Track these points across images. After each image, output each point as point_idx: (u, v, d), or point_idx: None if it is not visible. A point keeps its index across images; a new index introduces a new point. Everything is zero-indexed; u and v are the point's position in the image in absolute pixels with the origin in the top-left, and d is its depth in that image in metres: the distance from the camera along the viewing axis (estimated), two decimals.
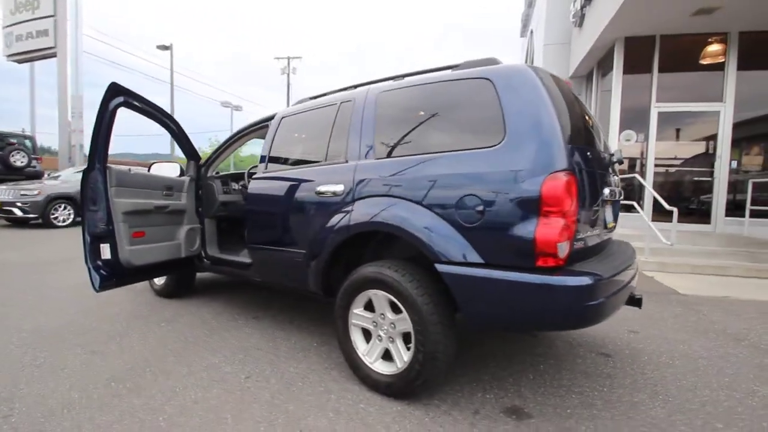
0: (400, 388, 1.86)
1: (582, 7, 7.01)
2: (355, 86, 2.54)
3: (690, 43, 6.07)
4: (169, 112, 3.06)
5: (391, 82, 2.27)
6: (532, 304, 1.53)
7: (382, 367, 1.97)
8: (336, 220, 2.10)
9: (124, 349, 2.48)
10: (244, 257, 3.12)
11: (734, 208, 6.07)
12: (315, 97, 2.75)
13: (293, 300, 3.55)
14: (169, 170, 3.23)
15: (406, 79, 2.20)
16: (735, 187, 6.11)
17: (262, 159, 2.71)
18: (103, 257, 2.48)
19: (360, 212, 1.99)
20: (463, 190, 1.67)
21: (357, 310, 2.05)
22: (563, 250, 1.51)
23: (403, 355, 1.88)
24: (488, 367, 2.27)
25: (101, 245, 2.47)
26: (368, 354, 2.02)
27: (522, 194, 1.53)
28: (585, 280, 1.48)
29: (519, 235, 1.53)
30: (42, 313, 3.14)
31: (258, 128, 3.07)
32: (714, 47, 5.96)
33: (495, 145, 1.65)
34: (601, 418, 1.79)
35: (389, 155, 2.01)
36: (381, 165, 1.99)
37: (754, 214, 5.78)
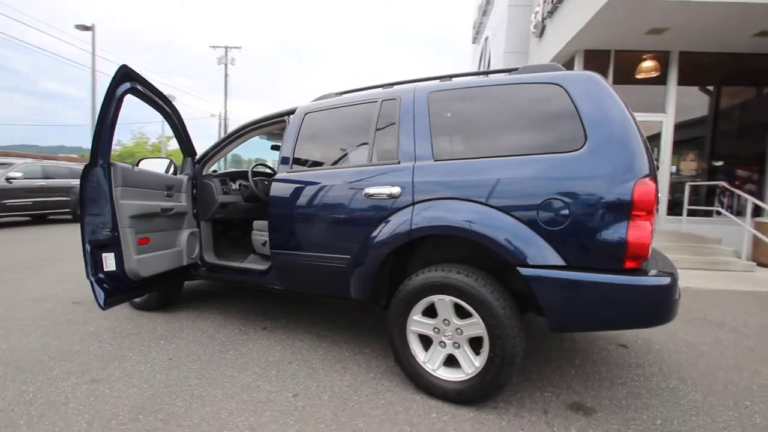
0: (472, 394, 1.83)
1: (543, 20, 7.48)
2: (382, 86, 2.46)
3: (639, 58, 6.76)
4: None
5: (437, 82, 2.22)
6: (624, 305, 1.58)
7: (447, 374, 1.92)
8: (392, 223, 2.00)
9: (131, 374, 2.16)
10: (253, 263, 2.89)
11: (673, 207, 6.90)
12: (340, 93, 2.61)
13: (296, 306, 3.35)
14: (159, 167, 2.86)
15: (456, 80, 2.17)
16: (674, 188, 6.94)
17: (285, 159, 2.51)
18: (106, 269, 2.12)
19: (425, 215, 1.91)
20: (545, 194, 1.68)
21: (416, 317, 1.98)
22: (649, 252, 1.58)
23: (473, 361, 1.85)
24: (530, 366, 2.33)
25: (103, 255, 2.11)
26: (430, 361, 1.96)
27: (612, 198, 1.58)
28: (668, 280, 1.57)
29: (609, 239, 1.58)
30: (2, 336, 2.62)
31: (269, 124, 2.84)
32: (650, 63, 6.69)
33: (576, 150, 1.68)
34: (653, 407, 1.91)
35: (451, 157, 1.96)
36: (446, 167, 1.94)
37: (690, 213, 6.64)
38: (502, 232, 1.73)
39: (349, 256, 2.17)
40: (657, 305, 1.57)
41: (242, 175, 3.45)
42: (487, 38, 11.89)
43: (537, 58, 8.18)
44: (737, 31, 5.66)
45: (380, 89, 2.43)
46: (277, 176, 2.48)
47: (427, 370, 1.96)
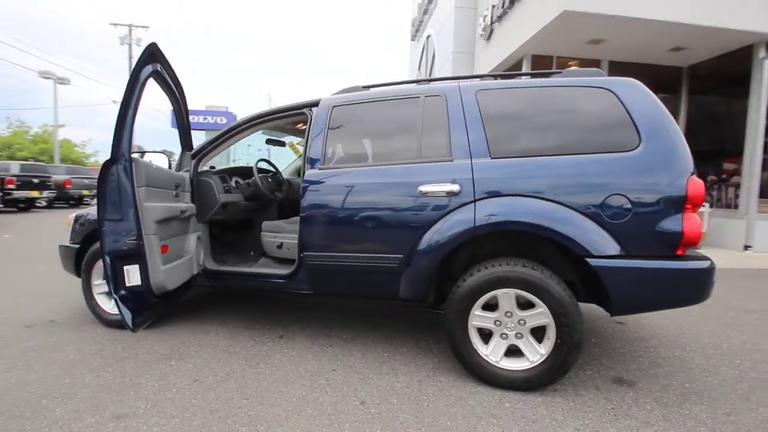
0: (540, 380, 1.93)
1: (492, 23, 7.93)
2: (416, 81, 2.44)
3: (566, 65, 7.53)
4: None
5: (484, 81, 2.26)
6: (677, 286, 1.79)
7: (511, 364, 1.99)
8: (453, 221, 2.00)
9: (160, 404, 1.87)
10: (269, 268, 2.68)
11: None
12: (367, 87, 2.52)
13: (301, 311, 3.17)
14: (160, 164, 2.48)
15: (503, 80, 2.23)
16: None
17: (315, 155, 2.35)
18: (128, 283, 1.79)
19: (489, 211, 1.95)
20: (608, 191, 1.82)
21: (478, 312, 2.02)
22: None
23: (539, 348, 1.94)
24: None
25: (125, 267, 1.78)
26: (492, 354, 2.02)
27: (669, 193, 1.77)
28: (709, 263, 1.82)
29: (667, 229, 1.77)
30: None
31: (282, 117, 2.63)
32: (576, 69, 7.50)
33: (633, 150, 1.85)
34: (675, 373, 2.20)
35: (508, 155, 2.02)
36: (506, 164, 1.99)
37: None
38: (571, 226, 1.84)
39: (401, 256, 2.12)
40: (702, 286, 1.81)
41: (240, 171, 3.15)
42: (429, 36, 12.24)
43: (484, 59, 8.66)
44: (656, 46, 6.60)
45: (413, 85, 2.41)
46: (310, 175, 2.32)
47: (490, 362, 2.01)
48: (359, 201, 2.20)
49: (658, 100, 1.93)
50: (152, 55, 1.88)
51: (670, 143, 1.83)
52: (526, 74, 2.33)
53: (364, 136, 2.41)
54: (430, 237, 2.05)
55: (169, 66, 2.09)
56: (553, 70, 2.23)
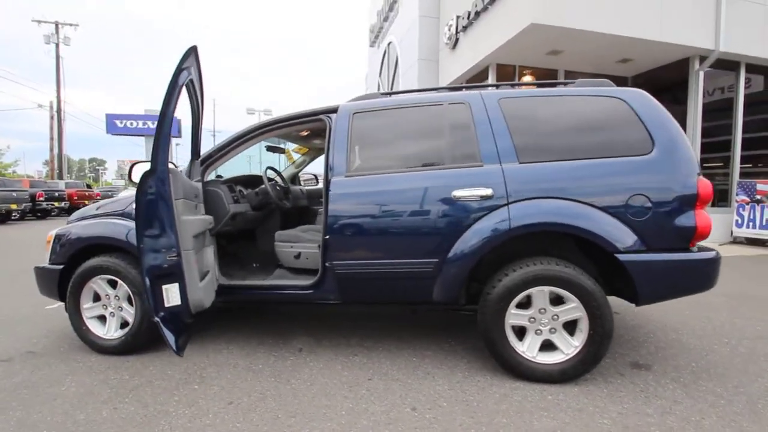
0: (574, 371, 2.05)
1: (457, 32, 8.25)
2: (436, 89, 2.50)
3: (522, 74, 8.02)
4: None
5: (502, 89, 2.36)
6: (692, 276, 1.99)
7: (546, 358, 2.09)
8: (488, 223, 2.07)
9: (203, 431, 1.75)
10: (286, 279, 2.59)
11: None
12: (387, 94, 2.53)
13: (310, 320, 3.08)
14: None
15: (523, 88, 2.35)
16: None
17: (339, 163, 2.32)
18: (168, 303, 1.65)
19: (523, 213, 2.04)
20: (630, 191, 1.99)
21: (513, 310, 2.10)
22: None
23: (572, 341, 2.06)
24: None
25: (164, 287, 1.64)
26: (528, 350, 2.11)
27: (682, 192, 1.97)
28: (716, 253, 2.04)
29: (682, 224, 1.96)
30: None
31: (296, 124, 2.58)
32: (529, 78, 8.03)
33: (647, 153, 2.03)
34: (679, 355, 2.43)
35: (535, 160, 2.13)
36: (536, 169, 2.10)
37: None
38: (602, 225, 1.98)
39: (436, 260, 2.15)
40: (712, 273, 2.03)
41: (244, 180, 3.00)
42: (390, 43, 12.44)
43: (450, 67, 8.97)
44: (607, 57, 7.24)
45: (432, 93, 2.46)
46: (337, 183, 2.28)
47: (528, 358, 2.10)
48: (392, 207, 2.20)
49: (663, 108, 2.14)
50: (193, 59, 1.75)
51: (678, 146, 2.03)
52: (540, 84, 2.47)
53: (389, 143, 2.42)
54: (466, 240, 2.10)
55: (200, 71, 1.97)
56: (566, 80, 2.39)
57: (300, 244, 2.65)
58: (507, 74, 7.80)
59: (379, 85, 14.19)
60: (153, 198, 1.63)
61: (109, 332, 2.52)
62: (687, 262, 1.98)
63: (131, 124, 26.35)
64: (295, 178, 3.91)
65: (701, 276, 2.03)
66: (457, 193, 2.12)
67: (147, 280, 1.62)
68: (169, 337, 1.63)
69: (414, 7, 9.87)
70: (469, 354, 2.48)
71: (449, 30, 8.53)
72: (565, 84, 2.37)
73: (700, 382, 2.10)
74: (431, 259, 2.16)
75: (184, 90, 1.78)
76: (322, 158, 4.08)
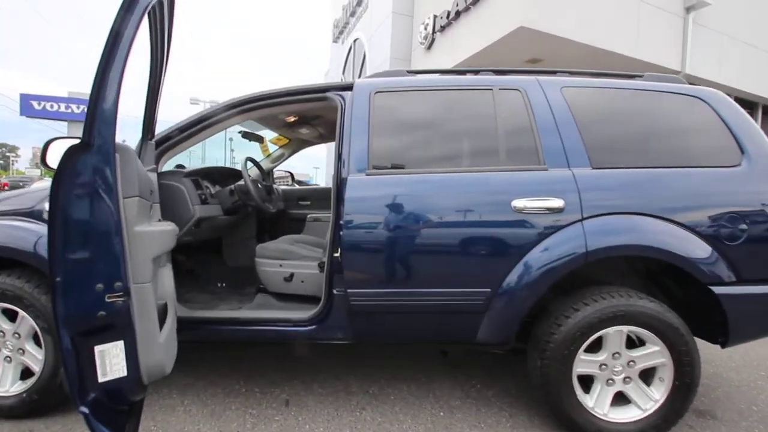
0: (655, 431, 1.64)
1: (434, 32, 7.91)
2: (475, 70, 2.01)
3: None
4: None
5: (561, 77, 1.92)
6: None
7: (619, 415, 1.66)
8: (557, 245, 1.60)
9: None
10: (270, 310, 1.94)
11: None
12: (413, 72, 1.99)
13: (286, 361, 2.41)
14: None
15: (586, 78, 1.92)
16: None
17: (359, 156, 1.74)
18: (104, 377, 0.96)
19: (602, 232, 1.60)
20: (722, 208, 1.63)
21: (583, 356, 1.65)
22: None
23: (652, 394, 1.65)
24: None
25: (97, 349, 0.95)
26: (598, 405, 1.66)
27: None
28: None
29: None
30: None
31: (293, 101, 1.95)
32: None
33: (737, 165, 1.69)
34: (736, 397, 2.14)
35: (611, 165, 1.71)
36: (614, 177, 1.67)
37: None
38: (696, 250, 1.59)
39: (487, 290, 1.64)
40: None
41: (214, 174, 2.27)
42: (357, 39, 11.89)
43: (424, 67, 8.62)
44: (583, 67, 7.26)
45: (477, 75, 1.97)
46: (355, 182, 1.69)
47: (597, 415, 1.65)
48: (429, 218, 1.66)
49: (747, 113, 1.82)
50: None
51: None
52: (599, 74, 2.06)
53: (422, 133, 1.87)
54: (528, 265, 1.61)
55: (173, 7, 1.29)
56: (632, 72, 2.01)
57: (292, 262, 2.01)
58: None
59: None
60: (83, 194, 0.94)
61: (3, 386, 1.71)
62: None
63: (51, 106, 22.94)
64: (268, 176, 3.21)
65: None
66: (518, 203, 1.63)
67: (65, 339, 0.92)
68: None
69: (387, 3, 9.43)
70: (503, 401, 1.99)
71: (425, 29, 8.17)
72: (631, 77, 1.98)
73: None
74: (481, 288, 1.64)
75: (144, 21, 1.10)
76: (301, 153, 3.44)
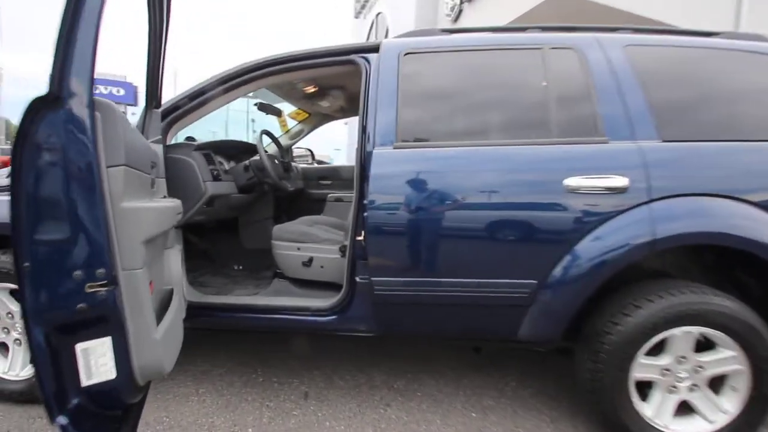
0: None
1: (461, 2, 7.46)
2: (521, 28, 1.74)
3: None
4: None
5: (620, 33, 1.63)
6: None
7: (681, 427, 1.45)
8: (617, 230, 1.37)
9: None
10: (291, 296, 1.80)
11: None
12: (449, 31, 1.75)
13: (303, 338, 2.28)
14: None
15: (655, 36, 1.64)
16: None
17: (385, 127, 1.53)
18: (87, 381, 0.82)
19: (674, 217, 1.36)
20: None
21: (643, 359, 1.43)
22: None
23: (721, 404, 1.42)
24: None
25: (79, 348, 0.81)
26: (658, 416, 1.45)
27: None
28: None
29: None
30: None
31: (311, 66, 1.74)
32: None
33: None
34: None
35: (682, 137, 1.44)
36: (689, 151, 1.42)
37: None
38: None
39: (533, 281, 1.43)
40: None
41: (228, 148, 2.11)
42: (380, 14, 11.44)
43: None
44: None
45: (517, 33, 1.70)
46: (381, 156, 1.49)
47: (657, 426, 1.44)
48: (466, 198, 1.45)
49: None
50: None
51: None
52: (667, 31, 1.76)
53: (460, 100, 1.64)
54: (583, 253, 1.39)
55: None
56: (708, 30, 1.69)
57: (311, 245, 1.84)
58: None
59: None
60: (53, 161, 0.77)
61: (13, 369, 1.64)
62: None
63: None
64: (286, 152, 3.04)
65: None
66: (571, 181, 1.39)
67: (37, 336, 0.77)
68: None
69: None
70: (542, 403, 1.79)
71: (452, 0, 7.72)
72: (706, 35, 1.67)
73: None
74: (526, 279, 1.44)
75: None
76: (323, 129, 3.25)
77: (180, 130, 1.79)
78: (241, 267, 2.29)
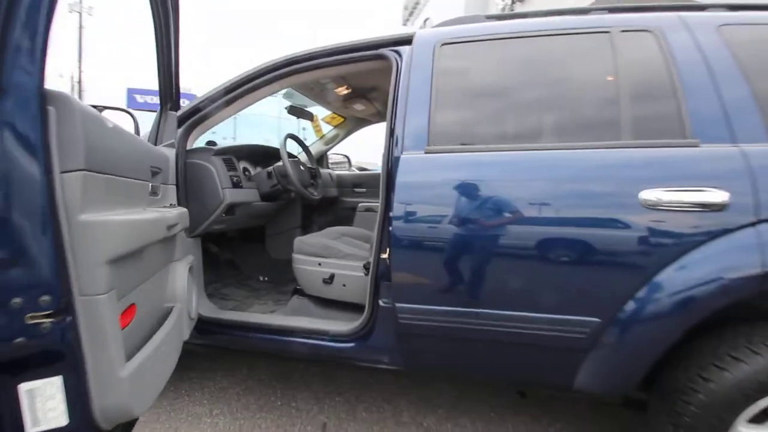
0: None
1: (513, 2, 7.10)
2: (584, 10, 1.47)
3: None
4: None
5: (722, 13, 1.31)
6: None
7: None
8: (718, 257, 1.06)
9: None
10: (309, 318, 1.63)
11: None
12: (495, 18, 1.51)
13: (316, 370, 2.10)
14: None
15: (756, 13, 1.30)
16: None
17: (416, 128, 1.33)
18: (34, 428, 0.70)
19: None
20: None
21: (744, 428, 1.09)
22: None
23: None
24: None
25: (23, 388, 0.69)
26: None
27: None
28: None
29: None
30: None
31: (339, 62, 1.58)
32: None
33: None
34: None
35: None
36: None
37: None
38: None
39: (596, 320, 1.15)
40: None
41: (251, 153, 2.03)
42: (427, 19, 11.30)
43: None
44: None
45: (579, 16, 1.43)
46: (409, 162, 1.29)
47: None
48: (513, 215, 1.20)
49: None
50: None
51: None
52: (752, 7, 1.40)
53: (507, 98, 1.40)
54: (667, 286, 1.08)
55: None
56: None
57: (333, 261, 1.67)
58: None
59: None
60: None
61: None
62: None
63: (151, 99, 25.72)
64: (321, 159, 2.92)
65: None
66: (649, 194, 1.10)
67: None
68: None
69: None
70: None
71: (503, 1, 7.37)
72: None
73: None
74: (586, 317, 1.15)
75: None
76: (358, 134, 3.10)
77: (202, 134, 1.71)
78: (266, 278, 2.17)
